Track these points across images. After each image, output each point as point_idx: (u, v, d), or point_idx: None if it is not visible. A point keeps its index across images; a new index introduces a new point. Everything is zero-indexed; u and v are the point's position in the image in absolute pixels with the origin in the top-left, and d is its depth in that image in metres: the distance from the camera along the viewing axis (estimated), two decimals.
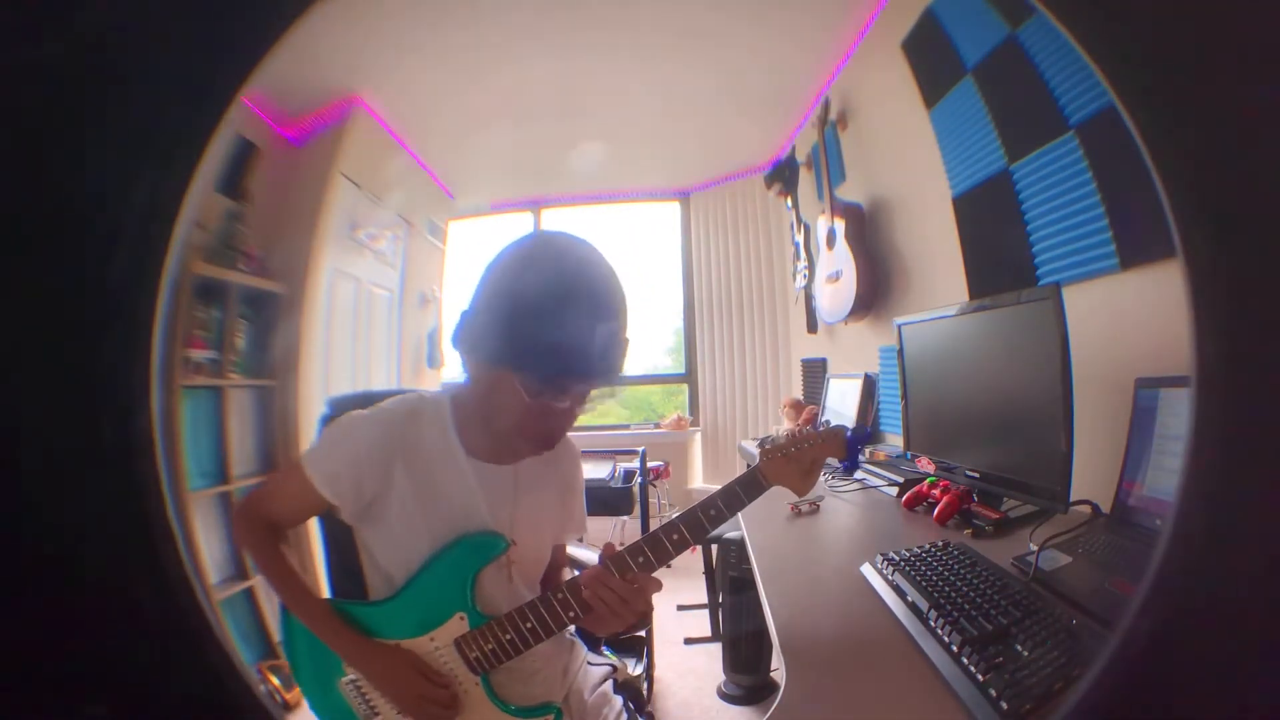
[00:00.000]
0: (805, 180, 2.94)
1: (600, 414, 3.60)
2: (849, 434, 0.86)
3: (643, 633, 1.90)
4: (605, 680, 1.02)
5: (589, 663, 1.02)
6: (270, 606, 1.83)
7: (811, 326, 2.93)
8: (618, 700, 1.00)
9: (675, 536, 0.79)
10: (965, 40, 1.59)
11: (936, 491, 1.31)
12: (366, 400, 0.89)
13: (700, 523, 0.80)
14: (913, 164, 1.94)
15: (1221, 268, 0.40)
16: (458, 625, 0.83)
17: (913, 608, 0.82)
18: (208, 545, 1.81)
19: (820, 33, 2.30)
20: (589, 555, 1.16)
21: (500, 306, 0.77)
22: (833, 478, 1.69)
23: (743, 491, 0.82)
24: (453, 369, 3.28)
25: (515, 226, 3.61)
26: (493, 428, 0.83)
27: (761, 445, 0.87)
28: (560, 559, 1.01)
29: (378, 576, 0.87)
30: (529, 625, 0.81)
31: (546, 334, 0.74)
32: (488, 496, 0.85)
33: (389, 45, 2.21)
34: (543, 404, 0.77)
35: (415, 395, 0.88)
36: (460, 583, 0.83)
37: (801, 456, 0.84)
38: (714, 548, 2.08)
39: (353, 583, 0.92)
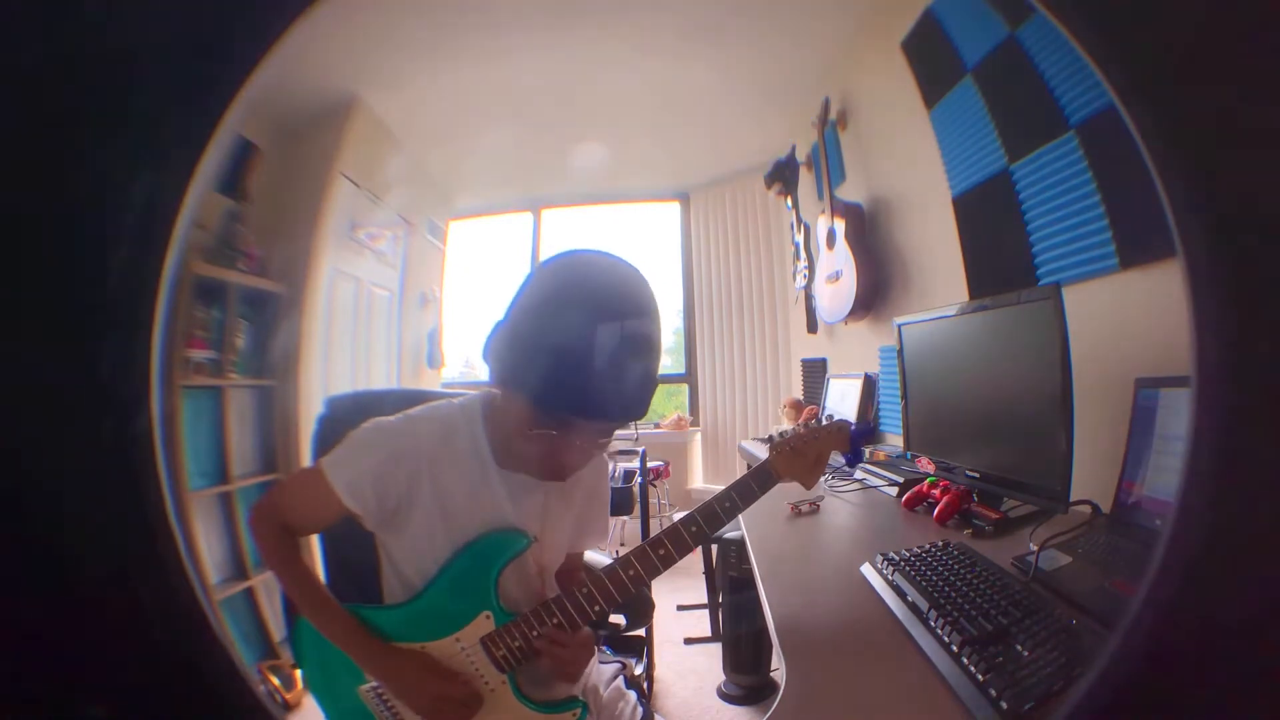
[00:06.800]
0: (805, 180, 2.94)
1: None
2: (853, 428, 0.91)
3: (642, 632, 1.91)
4: (617, 677, 1.02)
5: (599, 661, 1.02)
6: (270, 606, 1.83)
7: (811, 326, 2.92)
8: (631, 695, 1.01)
9: (694, 529, 0.82)
10: (965, 40, 1.59)
11: (936, 491, 1.31)
12: (366, 400, 0.88)
13: (715, 514, 0.83)
14: (913, 164, 1.94)
15: (1221, 268, 0.40)
16: (484, 624, 0.83)
17: (913, 608, 0.82)
18: (208, 545, 1.80)
19: (820, 33, 2.29)
20: (597, 557, 1.16)
21: (523, 328, 0.74)
22: (833, 476, 1.69)
23: (755, 485, 0.85)
24: (452, 369, 3.28)
25: (515, 226, 3.61)
26: (509, 446, 0.83)
27: (770, 440, 0.89)
28: (575, 564, 1.01)
29: (396, 581, 0.86)
30: (555, 621, 0.81)
31: (564, 370, 0.70)
32: (515, 503, 0.85)
33: (389, 45, 2.21)
34: (553, 438, 0.76)
35: (445, 403, 0.86)
36: (484, 581, 0.83)
37: (808, 450, 0.88)
38: (714, 548, 2.08)
39: (351, 582, 0.92)
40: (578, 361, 0.71)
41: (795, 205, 3.00)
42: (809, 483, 0.89)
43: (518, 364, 0.74)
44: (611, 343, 0.71)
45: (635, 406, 0.76)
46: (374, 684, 0.84)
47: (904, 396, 1.57)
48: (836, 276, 2.40)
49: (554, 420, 0.74)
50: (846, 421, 0.90)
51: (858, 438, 0.92)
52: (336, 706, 0.86)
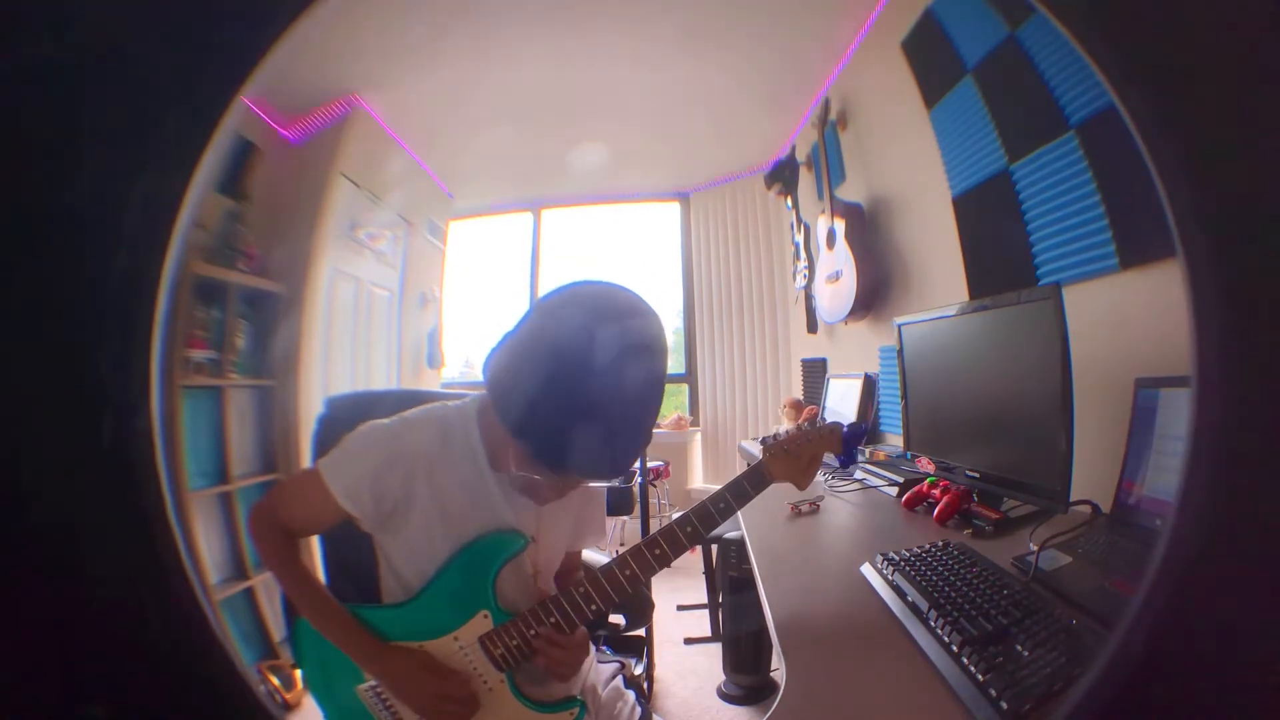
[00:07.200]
0: (805, 180, 2.94)
1: None
2: (845, 430, 0.91)
3: (642, 632, 1.91)
4: (615, 676, 1.03)
5: (598, 661, 1.02)
6: (270, 606, 1.83)
7: (811, 326, 2.93)
8: (630, 694, 1.01)
9: (689, 529, 0.83)
10: (965, 40, 1.59)
11: (936, 491, 1.31)
12: (366, 400, 0.88)
13: (710, 515, 0.84)
14: (913, 164, 1.94)
15: (1221, 268, 0.40)
16: (482, 623, 0.83)
17: (913, 608, 0.82)
18: (208, 545, 1.80)
19: (820, 33, 2.30)
20: (597, 557, 1.16)
21: (524, 368, 0.73)
22: (832, 476, 1.69)
23: (749, 486, 0.86)
24: (452, 369, 3.28)
25: (515, 226, 3.61)
26: (504, 452, 0.83)
27: (764, 442, 0.89)
28: (574, 563, 1.01)
29: (394, 582, 0.86)
30: (553, 620, 0.82)
31: (557, 427, 0.70)
32: (511, 504, 0.85)
33: (389, 45, 2.21)
34: (532, 479, 0.77)
35: (441, 406, 0.87)
36: (482, 580, 0.83)
37: (801, 453, 0.88)
38: (714, 548, 2.08)
39: (350, 582, 0.92)
40: (581, 430, 0.70)
41: (795, 205, 3.00)
42: (802, 484, 0.89)
43: (517, 415, 0.73)
44: (603, 422, 0.71)
45: (617, 469, 0.78)
46: (373, 683, 0.84)
47: (904, 396, 1.57)
48: (836, 276, 2.40)
49: (541, 470, 0.76)
50: (839, 424, 0.90)
51: (850, 440, 0.92)
52: (336, 706, 0.86)
